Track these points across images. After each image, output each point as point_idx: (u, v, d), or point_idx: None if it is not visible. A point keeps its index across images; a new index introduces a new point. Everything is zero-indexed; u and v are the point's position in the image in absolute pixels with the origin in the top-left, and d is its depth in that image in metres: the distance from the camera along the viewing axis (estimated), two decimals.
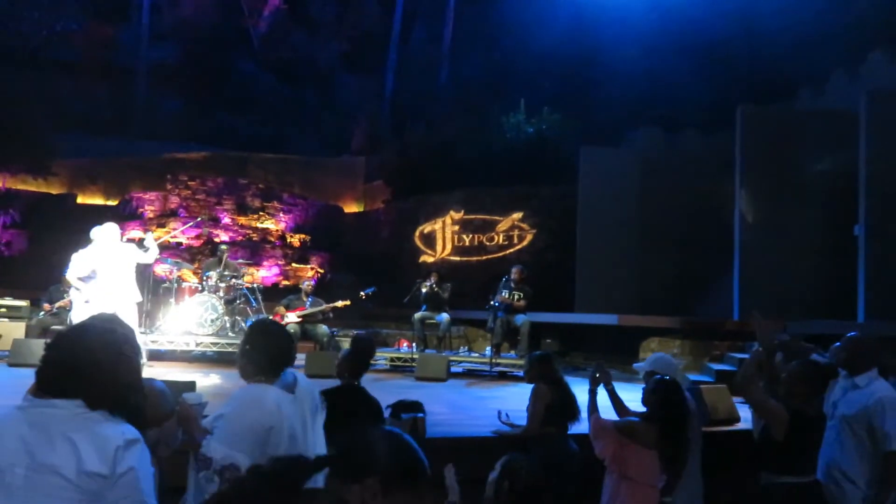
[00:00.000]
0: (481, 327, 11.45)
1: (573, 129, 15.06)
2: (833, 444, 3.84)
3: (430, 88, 22.72)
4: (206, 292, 10.08)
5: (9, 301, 10.33)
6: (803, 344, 4.39)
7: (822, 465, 3.82)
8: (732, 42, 14.70)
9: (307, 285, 10.63)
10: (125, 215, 15.10)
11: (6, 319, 9.92)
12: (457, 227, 14.59)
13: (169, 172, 16.32)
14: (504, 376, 9.52)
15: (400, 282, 12.53)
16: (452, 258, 14.51)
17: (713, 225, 11.62)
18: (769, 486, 3.74)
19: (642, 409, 4.07)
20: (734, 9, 14.91)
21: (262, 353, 2.93)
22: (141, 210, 15.69)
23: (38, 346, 7.50)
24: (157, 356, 9.09)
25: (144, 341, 8.16)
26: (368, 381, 4.42)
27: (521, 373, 8.74)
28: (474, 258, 14.28)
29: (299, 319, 10.05)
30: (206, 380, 7.68)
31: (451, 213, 14.65)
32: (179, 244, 14.35)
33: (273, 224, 16.11)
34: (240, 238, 15.36)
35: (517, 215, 13.96)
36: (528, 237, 13.83)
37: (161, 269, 11.40)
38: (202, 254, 14.14)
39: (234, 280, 10.37)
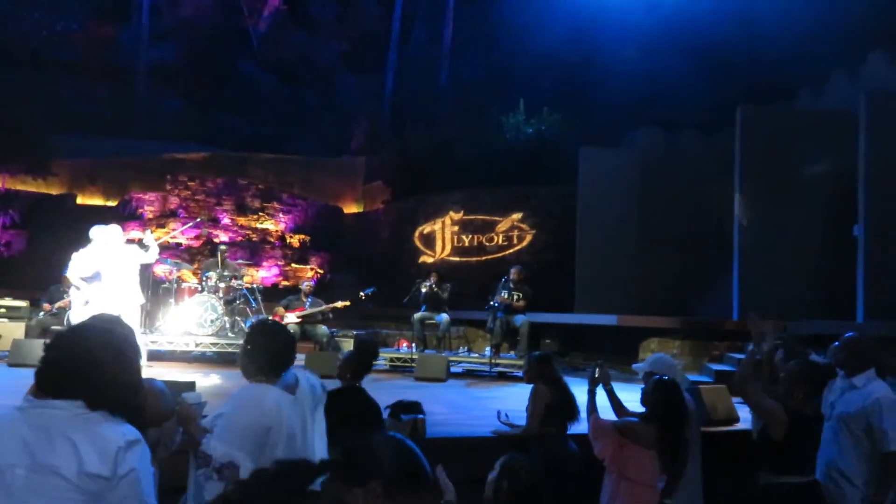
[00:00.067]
0: (481, 327, 11.46)
1: (573, 130, 15.06)
2: (831, 444, 3.84)
3: (429, 89, 22.72)
4: (205, 293, 10.09)
5: (8, 301, 10.35)
6: (798, 346, 4.39)
7: (820, 465, 3.82)
8: (732, 42, 14.70)
9: (307, 286, 10.63)
10: (125, 216, 15.10)
11: (6, 320, 9.93)
12: (456, 228, 14.59)
13: (169, 173, 16.32)
14: (503, 376, 9.52)
15: (399, 282, 12.53)
16: (452, 258, 14.51)
17: (713, 225, 11.62)
18: (768, 486, 3.74)
19: (641, 409, 4.07)
20: (734, 9, 14.92)
21: (263, 354, 2.94)
22: (140, 210, 15.69)
23: (38, 347, 7.48)
24: (156, 356, 9.09)
25: (144, 342, 8.16)
26: (368, 382, 4.41)
27: (520, 373, 8.72)
28: (474, 258, 14.29)
29: (299, 320, 10.06)
30: (206, 380, 7.68)
31: (451, 213, 14.65)
32: (179, 245, 14.36)
33: (273, 224, 16.11)
34: (239, 238, 15.36)
35: (517, 216, 13.96)
36: (528, 237, 13.83)
37: (161, 270, 11.41)
38: (202, 254, 14.15)
39: (233, 280, 10.37)
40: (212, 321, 9.87)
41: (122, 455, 1.83)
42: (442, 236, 14.73)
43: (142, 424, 2.02)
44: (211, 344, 9.67)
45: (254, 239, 15.57)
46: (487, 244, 14.19)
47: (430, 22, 25.06)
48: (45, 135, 15.51)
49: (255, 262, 14.52)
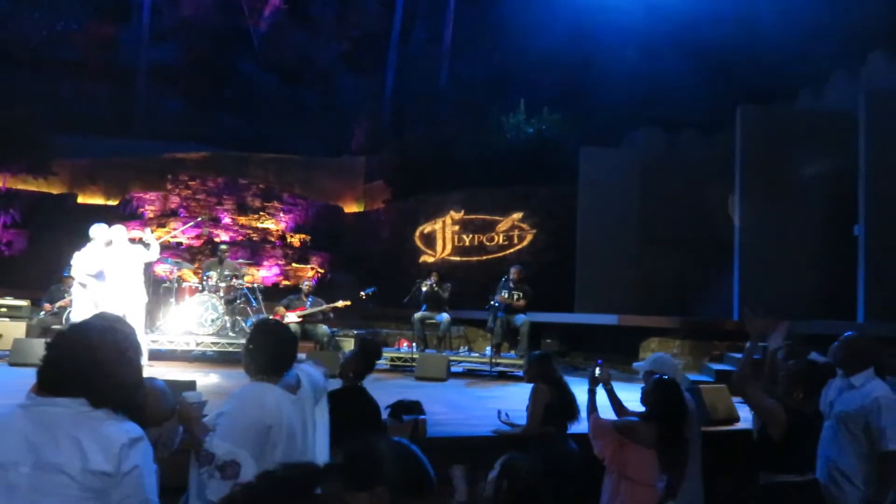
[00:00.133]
0: (481, 327, 11.46)
1: (573, 130, 15.07)
2: (830, 443, 3.85)
3: (430, 89, 22.72)
4: (206, 292, 10.09)
5: (9, 301, 10.34)
6: (797, 346, 4.39)
7: (820, 464, 3.83)
8: (732, 42, 14.70)
9: (307, 285, 10.64)
10: (125, 215, 15.10)
11: (7, 319, 9.93)
12: (457, 227, 14.60)
13: (169, 172, 16.33)
14: (504, 376, 9.53)
15: (400, 282, 12.54)
16: (452, 258, 14.52)
17: (713, 225, 11.62)
18: (768, 486, 3.74)
19: (641, 408, 4.07)
20: (734, 9, 14.92)
21: (264, 353, 2.96)
22: (141, 210, 15.70)
23: (39, 346, 7.52)
24: (157, 356, 9.09)
25: (145, 341, 8.17)
26: (369, 381, 4.42)
27: (520, 373, 8.74)
28: (474, 258, 14.29)
29: (299, 319, 10.06)
30: (207, 379, 7.68)
31: (451, 213, 14.66)
32: (180, 244, 14.36)
33: (273, 224, 16.12)
34: (240, 238, 15.37)
35: (517, 215, 13.96)
36: (528, 237, 13.84)
37: (161, 269, 11.42)
38: (202, 254, 14.15)
39: (234, 280, 10.38)
40: (212, 320, 9.88)
41: (125, 452, 1.84)
42: (442, 236, 14.74)
43: (142, 423, 2.03)
44: (212, 343, 9.67)
45: (254, 238, 15.57)
46: (488, 244, 14.20)
47: (430, 22, 25.07)
48: (46, 134, 15.53)
49: (256, 262, 14.53)
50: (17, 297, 10.51)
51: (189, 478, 2.87)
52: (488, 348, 9.95)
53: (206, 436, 2.71)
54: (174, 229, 13.71)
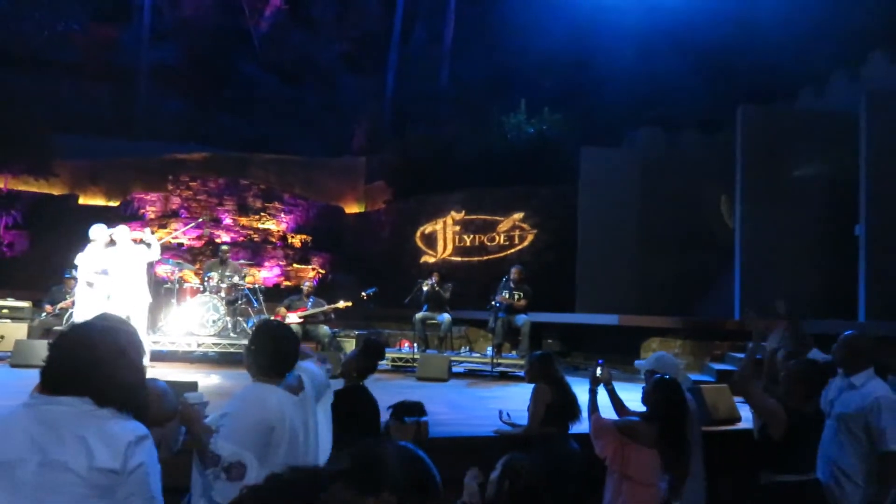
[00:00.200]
0: (482, 327, 11.46)
1: (574, 130, 15.07)
2: (831, 442, 3.85)
3: (430, 89, 22.71)
4: (207, 293, 10.10)
5: (11, 302, 10.36)
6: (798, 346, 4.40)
7: (821, 464, 3.83)
8: (733, 42, 14.71)
9: (308, 286, 10.64)
10: (127, 216, 15.11)
11: (8, 320, 9.94)
12: (458, 228, 14.60)
13: (170, 173, 16.34)
14: (505, 376, 9.53)
15: (401, 282, 12.54)
16: (453, 258, 14.52)
17: (714, 225, 11.63)
18: (769, 485, 3.75)
19: (643, 408, 4.08)
20: (734, 9, 14.92)
21: (266, 354, 2.96)
22: (142, 211, 15.71)
23: (41, 347, 7.54)
24: (158, 357, 9.10)
25: (147, 342, 8.19)
26: (370, 382, 4.43)
27: (522, 373, 8.75)
28: (475, 258, 14.30)
29: (301, 320, 10.07)
30: (208, 380, 7.69)
31: (452, 213, 14.66)
32: (181, 245, 14.37)
33: (274, 225, 16.12)
34: (241, 239, 15.38)
35: (518, 215, 13.97)
36: (529, 237, 13.84)
37: (163, 270, 11.43)
38: (203, 254, 14.16)
39: (235, 281, 10.38)
40: (214, 321, 9.88)
41: (131, 450, 1.85)
42: (443, 236, 14.74)
43: (145, 424, 2.04)
44: (213, 344, 9.68)
45: (255, 239, 15.58)
46: (489, 244, 14.20)
47: (430, 22, 25.05)
48: (47, 135, 15.54)
49: (257, 263, 14.54)
50: (18, 299, 10.53)
51: (191, 478, 2.87)
52: (489, 348, 9.96)
53: (211, 437, 2.72)
54: (175, 230, 13.72)
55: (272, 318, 8.51)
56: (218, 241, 14.50)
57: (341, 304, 10.45)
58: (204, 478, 2.76)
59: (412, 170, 16.18)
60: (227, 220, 15.65)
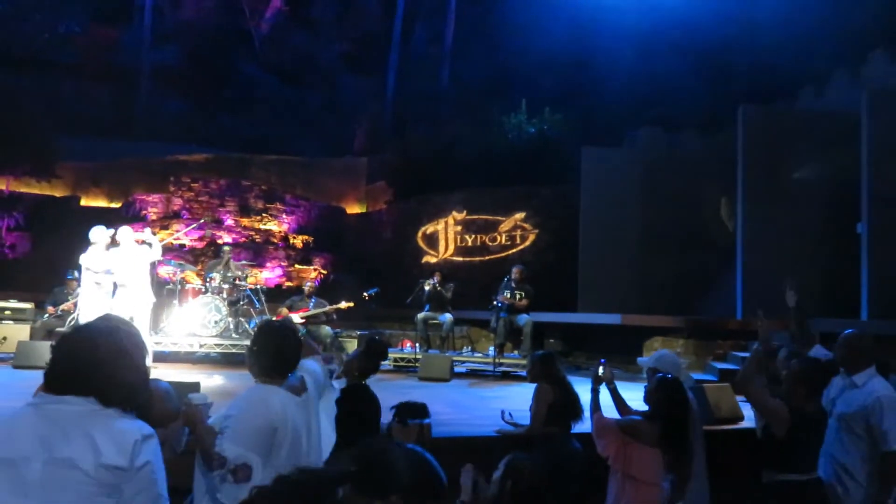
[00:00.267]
0: (484, 327, 11.47)
1: (574, 130, 15.08)
2: (833, 441, 3.85)
3: (431, 89, 22.72)
4: (209, 294, 10.12)
5: (13, 303, 10.37)
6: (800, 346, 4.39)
7: (823, 462, 3.83)
8: (733, 42, 14.70)
9: (310, 286, 10.65)
10: (128, 217, 15.12)
11: (11, 322, 9.95)
12: (459, 228, 14.61)
13: (172, 174, 16.35)
14: (507, 376, 9.53)
15: (403, 282, 12.55)
16: (455, 258, 14.53)
17: (715, 224, 11.62)
18: (772, 484, 3.75)
19: (644, 407, 4.07)
20: (735, 9, 14.91)
21: (268, 355, 2.96)
22: (144, 212, 15.72)
23: (43, 348, 7.56)
24: (161, 357, 9.11)
25: (150, 343, 8.19)
26: (372, 381, 4.43)
27: (524, 372, 8.75)
28: (477, 258, 14.30)
29: (302, 320, 10.07)
30: (210, 381, 7.70)
31: (454, 213, 14.67)
32: (183, 246, 14.38)
33: (276, 225, 16.13)
34: (243, 239, 15.39)
35: (519, 215, 13.97)
36: (531, 237, 13.85)
37: (164, 271, 11.44)
38: (205, 255, 14.17)
39: (237, 281, 10.39)
40: (216, 322, 9.90)
41: (138, 447, 1.86)
42: (445, 236, 14.75)
43: (148, 424, 2.04)
44: (215, 345, 9.69)
45: (257, 240, 15.59)
46: (490, 244, 14.21)
47: (431, 22, 25.05)
48: (49, 137, 15.55)
49: (259, 263, 14.55)
50: (20, 300, 10.55)
51: (194, 479, 2.88)
52: (491, 348, 9.96)
53: (216, 439, 2.72)
54: (177, 231, 13.74)
55: (274, 318, 8.51)
56: (220, 241, 14.51)
57: (343, 304, 10.46)
58: (207, 479, 2.77)
59: (413, 170, 16.19)
60: (229, 221, 15.67)
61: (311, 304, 10.29)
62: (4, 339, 9.39)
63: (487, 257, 14.17)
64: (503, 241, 14.10)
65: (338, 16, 25.13)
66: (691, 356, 9.75)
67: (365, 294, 10.61)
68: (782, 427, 3.66)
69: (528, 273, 10.49)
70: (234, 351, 9.56)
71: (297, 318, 10.06)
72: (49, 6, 20.44)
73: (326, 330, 10.15)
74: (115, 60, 22.72)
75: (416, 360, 9.56)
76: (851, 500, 3.77)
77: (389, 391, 5.86)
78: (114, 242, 7.99)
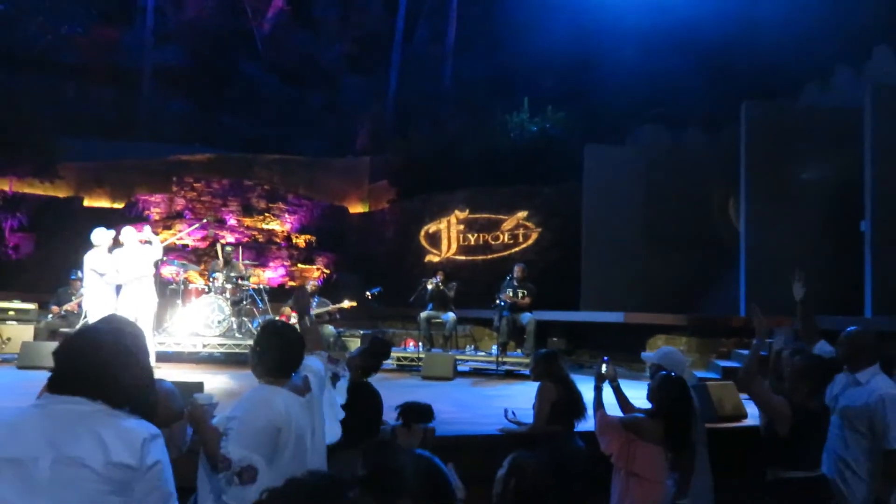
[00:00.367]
0: (487, 326, 11.46)
1: (577, 128, 15.06)
2: (836, 438, 3.84)
3: (433, 88, 22.72)
4: (212, 294, 10.13)
5: (17, 304, 10.39)
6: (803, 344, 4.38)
7: (826, 459, 3.82)
8: (736, 39, 14.67)
9: (313, 285, 10.66)
10: (131, 217, 15.14)
11: (15, 322, 9.96)
12: (462, 227, 14.61)
13: (174, 174, 16.37)
14: (510, 375, 9.53)
15: (405, 281, 12.55)
16: (458, 257, 14.53)
17: (719, 221, 11.60)
18: (775, 482, 3.74)
19: (648, 405, 4.07)
20: (737, 6, 14.88)
21: (271, 355, 2.96)
22: (147, 212, 15.74)
23: (47, 349, 7.57)
24: (164, 358, 9.12)
25: (153, 343, 8.21)
26: (376, 381, 4.44)
27: (527, 371, 8.76)
28: (479, 257, 14.30)
29: None
30: (214, 380, 7.70)
31: (456, 212, 14.67)
32: (185, 246, 14.40)
33: (278, 225, 16.14)
34: (245, 239, 15.40)
35: (522, 214, 13.97)
36: (534, 236, 13.84)
37: (168, 271, 11.45)
38: (208, 255, 14.18)
39: (240, 281, 10.40)
40: (219, 322, 9.91)
41: (147, 446, 1.87)
42: (447, 235, 14.75)
43: (153, 424, 2.05)
44: (218, 345, 9.71)
45: (260, 240, 15.60)
46: (493, 243, 14.21)
47: (433, 21, 25.05)
48: (51, 138, 15.56)
49: (262, 263, 14.56)
50: (24, 301, 10.56)
51: (198, 479, 2.88)
52: (494, 347, 9.96)
53: (221, 441, 2.72)
54: (180, 231, 13.75)
55: (277, 318, 8.53)
56: (222, 241, 14.53)
57: (346, 303, 10.47)
58: (212, 479, 2.77)
59: (416, 169, 16.19)
60: (232, 221, 15.68)
61: (314, 303, 10.29)
62: (8, 339, 9.41)
63: (490, 256, 14.17)
64: (506, 239, 14.10)
65: (340, 15, 25.14)
66: (694, 354, 9.75)
67: (368, 293, 10.62)
68: (785, 424, 3.66)
69: (531, 272, 10.49)
70: (237, 351, 9.58)
71: None
72: (51, 7, 20.46)
73: (329, 329, 10.16)
74: (118, 61, 22.75)
75: (420, 359, 9.56)
76: (854, 496, 3.76)
77: (393, 390, 5.87)
78: (116, 243, 7.99)
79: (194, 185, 15.85)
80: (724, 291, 11.23)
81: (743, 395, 5.93)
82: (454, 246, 14.64)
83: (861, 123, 9.39)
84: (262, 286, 11.15)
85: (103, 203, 17.21)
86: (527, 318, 9.82)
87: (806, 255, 10.13)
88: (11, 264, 14.38)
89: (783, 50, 13.42)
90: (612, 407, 4.29)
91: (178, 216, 15.47)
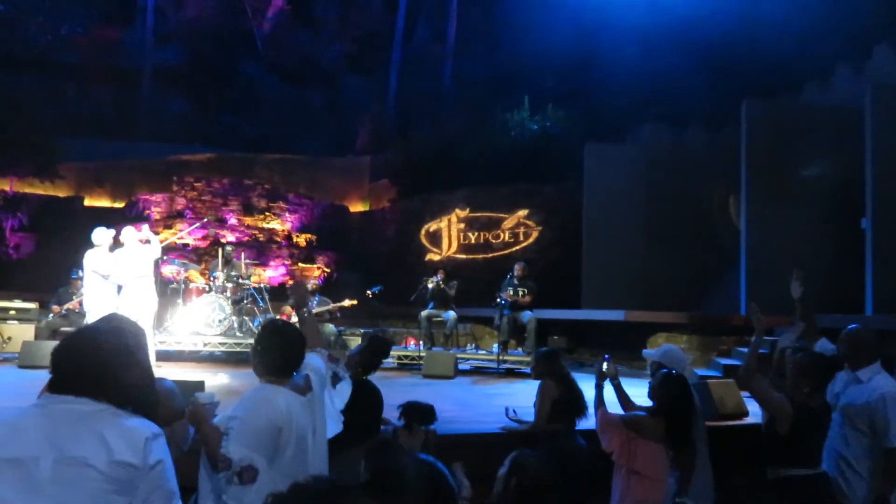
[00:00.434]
0: (488, 324, 11.47)
1: (577, 127, 15.06)
2: (837, 435, 3.84)
3: (433, 87, 22.72)
4: (213, 293, 10.13)
5: (18, 303, 10.39)
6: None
7: (827, 457, 3.82)
8: (736, 37, 14.66)
9: (313, 284, 10.66)
10: (132, 217, 15.15)
11: (16, 322, 9.96)
12: (462, 225, 14.61)
13: (175, 174, 16.37)
14: (511, 373, 9.53)
15: (406, 280, 12.54)
16: (458, 256, 14.53)
17: (719, 220, 11.59)
18: (777, 480, 3.74)
19: (649, 403, 4.07)
20: (738, 4, 14.87)
21: (272, 354, 2.95)
22: (147, 212, 15.75)
23: (48, 348, 7.55)
24: (165, 357, 9.12)
25: (153, 342, 8.21)
26: (377, 379, 4.45)
27: (528, 369, 8.75)
28: (480, 256, 14.30)
29: None
30: (215, 379, 7.72)
31: (457, 211, 14.68)
32: (186, 245, 14.41)
33: (279, 224, 16.15)
34: (246, 238, 15.40)
35: (522, 212, 13.97)
36: (534, 234, 13.84)
37: (168, 271, 11.45)
38: (209, 255, 14.19)
39: (240, 280, 10.40)
40: (220, 321, 9.91)
41: (150, 445, 1.87)
42: (448, 234, 14.76)
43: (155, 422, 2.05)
44: (219, 343, 9.71)
45: (260, 239, 15.61)
46: (494, 241, 14.21)
47: (433, 21, 25.05)
48: (52, 138, 15.59)
49: (262, 262, 14.56)
50: (25, 300, 10.56)
51: (199, 479, 2.88)
52: (495, 345, 9.96)
53: (222, 441, 2.72)
54: (180, 230, 13.76)
55: (278, 317, 8.54)
56: (223, 241, 14.53)
57: (347, 302, 10.47)
58: (212, 479, 2.77)
59: (416, 168, 16.20)
60: (233, 220, 15.69)
61: (315, 302, 10.29)
62: (9, 339, 9.41)
63: (491, 255, 14.17)
64: (506, 238, 14.10)
65: (340, 15, 25.13)
66: (695, 352, 9.75)
67: (368, 292, 10.62)
68: (786, 422, 3.66)
69: (532, 270, 10.49)
70: (238, 350, 9.58)
71: None
72: (51, 7, 20.49)
73: (330, 328, 10.17)
74: (118, 61, 22.76)
75: (420, 357, 9.56)
76: (854, 494, 3.76)
77: (394, 389, 5.87)
78: (117, 243, 7.99)
79: (195, 184, 15.86)
80: (725, 290, 11.23)
81: (744, 393, 5.93)
82: (455, 244, 14.65)
83: (861, 122, 9.38)
84: (262, 285, 11.15)
85: (104, 203, 17.22)
86: (527, 316, 9.82)
87: (806, 254, 10.14)
88: (12, 264, 14.39)
89: (784, 49, 13.40)
90: (613, 405, 4.29)
91: (179, 216, 15.48)
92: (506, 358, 9.56)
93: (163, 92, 23.06)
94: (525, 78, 18.39)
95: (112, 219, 12.63)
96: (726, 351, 9.62)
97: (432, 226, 15.04)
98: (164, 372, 7.35)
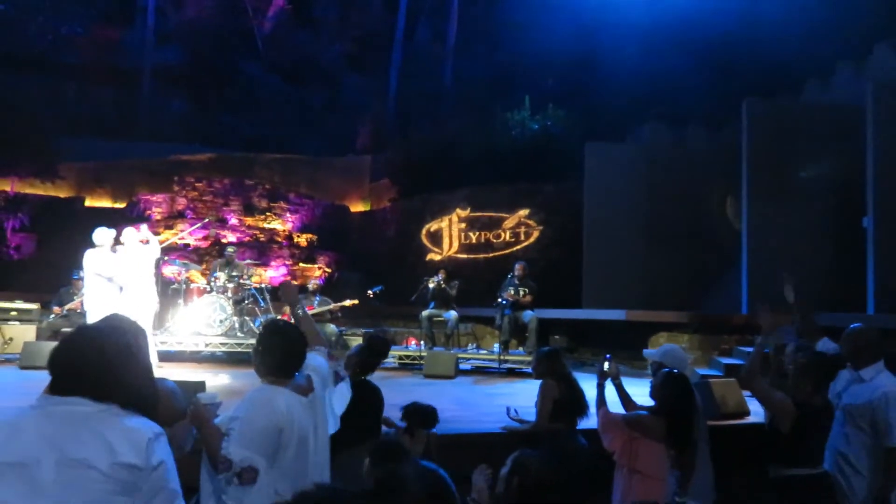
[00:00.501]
0: (489, 324, 11.46)
1: (578, 126, 15.06)
2: (838, 434, 3.84)
3: (434, 87, 22.72)
4: (214, 293, 10.13)
5: (19, 304, 10.38)
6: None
7: (828, 455, 3.82)
8: (737, 37, 14.66)
9: (314, 284, 10.67)
10: (133, 217, 15.15)
11: (17, 322, 9.95)
12: (463, 225, 14.61)
13: (175, 174, 16.38)
14: (512, 373, 9.53)
15: (407, 280, 12.54)
16: (459, 256, 14.53)
17: (720, 219, 11.59)
18: (779, 479, 3.74)
19: (650, 403, 4.07)
20: (738, 3, 14.87)
21: (274, 354, 2.95)
22: (148, 212, 15.75)
23: (49, 349, 7.55)
24: (166, 357, 9.11)
25: (153, 342, 8.21)
26: (378, 379, 4.44)
27: (529, 369, 8.73)
28: (481, 255, 14.30)
29: None
30: (216, 379, 7.71)
31: (458, 210, 14.67)
32: (187, 245, 14.41)
33: (280, 224, 16.15)
34: (247, 238, 15.41)
35: (523, 212, 13.97)
36: (535, 234, 13.84)
37: (169, 271, 11.45)
38: (210, 255, 14.19)
39: (242, 280, 10.40)
40: (221, 321, 9.91)
41: (152, 446, 1.87)
42: (449, 234, 14.76)
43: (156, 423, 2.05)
44: (220, 344, 9.71)
45: (261, 239, 15.62)
46: (494, 241, 14.21)
47: (434, 20, 25.06)
48: (52, 138, 15.60)
49: (263, 262, 14.57)
50: (26, 301, 10.55)
51: (200, 479, 2.88)
52: (496, 345, 9.96)
53: (223, 442, 2.72)
54: (181, 231, 13.76)
55: (279, 317, 8.52)
56: (224, 241, 14.53)
57: (347, 302, 10.47)
58: (214, 480, 2.77)
59: (417, 168, 16.20)
60: (233, 221, 15.69)
61: (316, 302, 10.30)
62: (10, 339, 9.40)
63: (492, 254, 14.17)
64: (507, 238, 14.10)
65: (340, 15, 25.14)
66: (696, 351, 9.75)
67: (369, 292, 10.61)
68: (787, 421, 3.66)
69: (533, 270, 10.49)
70: (239, 350, 9.58)
71: None
72: (51, 7, 20.50)
73: (331, 328, 10.16)
74: (118, 61, 22.75)
75: (421, 357, 9.56)
76: (854, 492, 3.76)
77: (395, 388, 5.87)
78: (118, 243, 8.00)
79: (195, 184, 15.87)
80: (726, 289, 11.23)
81: (745, 392, 5.93)
82: (455, 244, 14.65)
83: (862, 121, 9.38)
84: (263, 285, 11.15)
85: (105, 203, 17.22)
86: (528, 316, 9.82)
87: (807, 253, 10.15)
88: (13, 264, 14.40)
89: (784, 48, 13.40)
90: (614, 404, 4.29)
91: (180, 216, 15.48)
92: (507, 358, 9.55)
93: (163, 92, 23.05)
94: (525, 78, 18.40)
95: (113, 219, 12.63)
96: (727, 350, 9.63)
97: (433, 225, 15.04)
98: (166, 372, 7.35)
